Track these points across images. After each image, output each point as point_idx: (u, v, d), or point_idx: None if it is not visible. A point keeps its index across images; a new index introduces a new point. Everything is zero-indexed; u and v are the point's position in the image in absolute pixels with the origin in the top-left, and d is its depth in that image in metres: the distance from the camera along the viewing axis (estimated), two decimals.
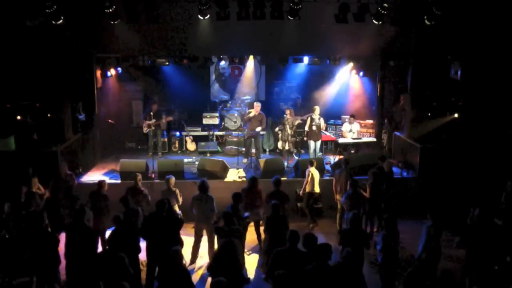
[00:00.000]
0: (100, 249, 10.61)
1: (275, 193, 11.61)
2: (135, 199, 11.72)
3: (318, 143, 16.63)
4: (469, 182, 13.90)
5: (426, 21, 14.28)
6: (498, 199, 11.85)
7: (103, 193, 11.70)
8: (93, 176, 14.75)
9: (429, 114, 15.72)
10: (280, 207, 10.62)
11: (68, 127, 15.16)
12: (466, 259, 10.08)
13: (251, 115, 16.67)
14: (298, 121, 17.18)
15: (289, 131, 16.59)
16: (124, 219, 9.93)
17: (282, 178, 14.44)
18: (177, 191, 12.09)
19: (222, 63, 18.81)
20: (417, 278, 8.14)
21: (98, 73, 16.62)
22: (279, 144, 17.29)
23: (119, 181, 14.21)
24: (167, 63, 16.68)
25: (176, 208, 11.94)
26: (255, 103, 17.00)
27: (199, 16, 13.93)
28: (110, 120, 17.72)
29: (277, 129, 17.03)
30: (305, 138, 16.95)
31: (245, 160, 16.63)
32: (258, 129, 16.63)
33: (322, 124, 16.49)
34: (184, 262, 9.15)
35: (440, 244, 10.06)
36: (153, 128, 16.75)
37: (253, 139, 16.83)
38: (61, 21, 13.57)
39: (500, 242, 9.65)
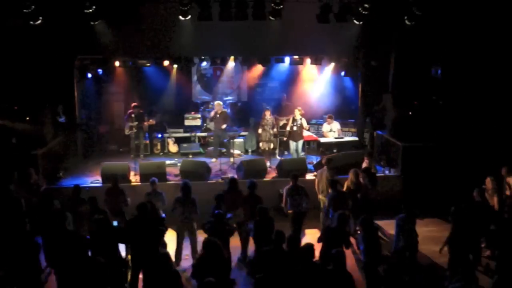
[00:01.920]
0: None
1: (250, 197, 11.45)
2: (114, 200, 11.64)
3: (300, 143, 16.59)
4: (451, 179, 13.97)
5: (406, 21, 14.34)
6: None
7: (81, 198, 11.49)
8: (74, 180, 14.52)
9: (410, 113, 15.78)
10: (268, 211, 10.56)
11: (48, 130, 14.97)
12: (449, 254, 10.21)
13: (212, 114, 16.67)
14: (283, 122, 17.14)
15: (270, 132, 16.57)
16: (101, 221, 9.78)
17: (265, 179, 14.57)
18: (162, 195, 11.95)
19: (204, 64, 18.74)
20: (396, 272, 8.16)
21: (79, 74, 16.42)
22: (261, 145, 17.25)
23: (101, 185, 14.03)
24: (149, 64, 16.55)
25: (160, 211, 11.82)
26: (215, 102, 16.96)
27: (181, 17, 13.83)
28: (91, 123, 17.56)
29: (260, 130, 16.98)
30: (284, 139, 16.93)
31: (214, 160, 16.61)
32: (223, 126, 16.56)
33: (305, 125, 16.47)
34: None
35: (417, 236, 10.20)
36: (135, 130, 16.59)
37: (220, 138, 16.81)
38: (39, 21, 13.37)
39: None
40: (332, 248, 8.86)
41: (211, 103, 19.72)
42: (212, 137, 17.96)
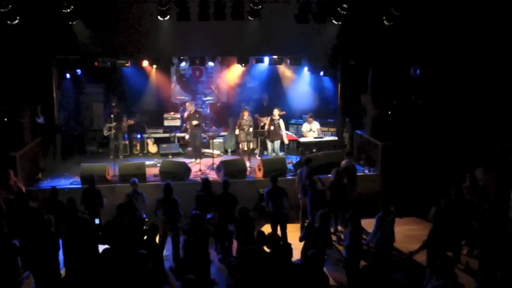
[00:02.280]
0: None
1: (223, 196, 11.49)
2: (91, 202, 11.62)
3: (277, 143, 16.62)
4: (429, 178, 14.11)
5: (385, 21, 14.45)
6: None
7: (57, 200, 11.39)
8: (53, 182, 14.40)
9: (390, 112, 15.91)
10: (249, 211, 10.58)
11: (26, 131, 14.83)
12: (428, 253, 10.30)
13: (185, 115, 16.68)
14: (264, 122, 17.18)
15: (249, 132, 16.62)
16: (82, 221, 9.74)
17: (246, 179, 14.59)
18: (143, 196, 11.95)
19: (183, 64, 18.66)
20: (377, 270, 8.26)
21: (57, 75, 16.27)
22: (240, 145, 17.27)
23: (80, 186, 13.92)
24: (127, 64, 16.45)
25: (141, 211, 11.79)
26: (187, 103, 16.93)
27: (159, 17, 13.78)
28: (70, 124, 17.45)
29: (236, 131, 16.99)
30: (264, 139, 16.98)
31: (194, 160, 16.63)
32: (195, 122, 16.54)
33: (282, 126, 16.50)
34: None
35: (393, 232, 10.36)
36: (114, 131, 16.51)
37: (195, 138, 16.76)
38: (17, 21, 13.22)
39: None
40: (314, 247, 8.97)
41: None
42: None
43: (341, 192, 12.50)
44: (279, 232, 11.62)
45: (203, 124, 17.93)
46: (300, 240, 9.97)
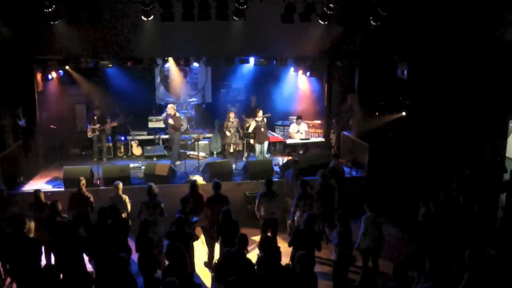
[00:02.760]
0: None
1: (215, 198, 11.42)
2: (79, 205, 11.47)
3: (264, 145, 16.64)
4: (417, 180, 14.12)
5: (371, 21, 14.45)
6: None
7: (43, 203, 11.25)
8: (35, 185, 14.23)
9: (377, 113, 15.92)
10: (230, 212, 10.51)
11: (8, 134, 14.64)
12: (416, 254, 10.32)
13: (163, 116, 16.63)
14: (249, 124, 17.14)
15: (235, 133, 16.55)
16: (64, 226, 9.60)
17: (230, 182, 14.53)
18: (127, 199, 11.86)
19: (167, 65, 18.58)
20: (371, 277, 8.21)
21: (39, 76, 16.09)
22: (226, 147, 17.20)
23: (62, 189, 13.80)
24: (111, 65, 16.30)
25: (124, 215, 11.66)
26: (168, 106, 16.75)
27: (143, 17, 13.68)
28: (51, 126, 17.25)
29: (227, 133, 16.89)
30: (251, 141, 16.92)
31: (178, 162, 16.56)
32: (170, 121, 16.41)
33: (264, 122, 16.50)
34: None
35: (382, 233, 10.39)
36: (97, 133, 16.40)
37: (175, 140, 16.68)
38: None
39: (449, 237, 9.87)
40: (302, 249, 8.92)
41: (175, 104, 19.61)
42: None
43: (328, 194, 12.46)
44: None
45: (188, 126, 17.87)
46: (289, 245, 9.93)
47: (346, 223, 9.78)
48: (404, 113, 15.71)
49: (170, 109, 16.51)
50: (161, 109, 19.48)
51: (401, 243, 12.31)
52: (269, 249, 8.34)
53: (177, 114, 16.67)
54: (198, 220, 11.06)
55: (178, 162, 16.53)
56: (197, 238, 10.73)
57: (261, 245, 8.54)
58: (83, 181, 11.99)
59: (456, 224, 10.61)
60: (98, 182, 14.37)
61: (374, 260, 10.42)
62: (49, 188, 14.10)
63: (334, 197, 12.62)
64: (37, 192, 11.43)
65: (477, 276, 7.46)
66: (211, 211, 11.22)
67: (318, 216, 11.56)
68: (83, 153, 17.90)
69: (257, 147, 16.57)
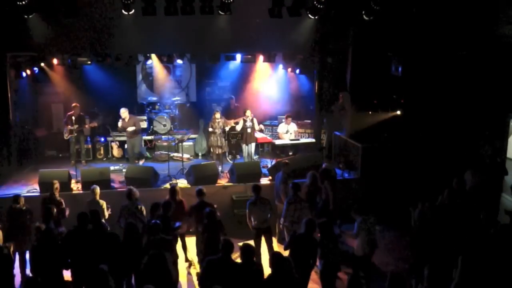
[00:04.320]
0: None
1: (200, 205, 11.18)
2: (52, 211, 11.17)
3: (252, 146, 16.59)
4: (413, 181, 14.07)
5: (364, 16, 14.41)
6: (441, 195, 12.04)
7: (22, 209, 11.10)
8: (8, 190, 14.07)
9: (370, 112, 15.87)
10: (216, 213, 10.38)
11: None
12: (412, 260, 10.31)
13: (120, 124, 16.40)
14: (231, 124, 17.06)
15: (221, 134, 16.45)
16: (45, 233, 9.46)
17: (217, 184, 14.42)
18: (104, 204, 11.70)
19: (149, 61, 18.43)
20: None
21: (12, 74, 15.88)
22: (212, 149, 17.09)
23: (38, 194, 13.64)
24: (89, 62, 16.17)
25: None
26: (122, 110, 16.48)
27: (124, 11, 13.55)
28: (26, 126, 17.07)
29: (212, 136, 16.75)
30: (242, 143, 16.79)
31: (112, 167, 16.17)
32: (130, 129, 16.32)
33: (256, 126, 16.40)
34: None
35: (376, 238, 10.35)
36: (75, 133, 16.23)
37: (133, 144, 16.60)
38: None
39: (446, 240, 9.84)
40: (299, 256, 8.87)
41: (158, 104, 19.52)
42: (159, 140, 17.82)
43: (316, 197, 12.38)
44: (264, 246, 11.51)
45: (172, 126, 17.75)
46: (285, 249, 9.82)
47: (328, 232, 9.70)
48: (398, 112, 15.67)
49: (124, 113, 16.28)
50: (143, 108, 19.36)
51: (397, 248, 12.26)
52: (281, 266, 8.18)
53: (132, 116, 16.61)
54: (181, 225, 10.95)
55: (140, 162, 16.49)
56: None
57: (273, 264, 8.35)
58: (57, 185, 11.90)
59: (455, 228, 10.55)
60: (76, 186, 14.18)
61: (366, 267, 10.35)
62: (23, 193, 13.88)
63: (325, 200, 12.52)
64: (16, 197, 11.28)
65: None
66: (196, 219, 11.04)
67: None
68: (60, 155, 17.73)
69: (244, 148, 16.48)
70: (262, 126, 16.76)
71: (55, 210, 10.81)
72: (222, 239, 8.87)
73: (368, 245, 10.20)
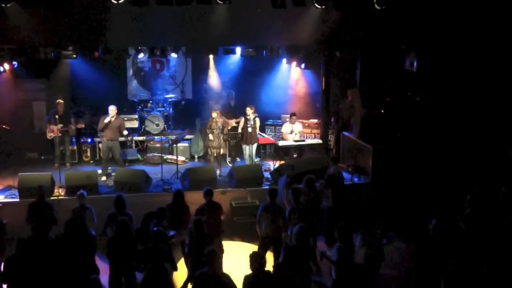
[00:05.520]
0: None
1: (208, 206, 11.35)
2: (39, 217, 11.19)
3: (254, 146, 16.59)
4: (429, 187, 14.07)
5: (376, 5, 14.41)
6: (463, 202, 12.02)
7: None
8: None
9: (382, 111, 15.89)
10: (203, 223, 10.36)
11: None
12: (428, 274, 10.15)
13: (106, 120, 15.97)
14: (232, 124, 17.06)
15: (220, 135, 16.46)
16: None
17: (215, 189, 14.41)
18: (92, 212, 11.72)
19: (141, 55, 18.43)
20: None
21: None
22: (209, 150, 17.11)
23: (17, 200, 13.69)
24: (75, 56, 16.13)
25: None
26: (110, 107, 16.19)
27: (113, 0, 13.56)
28: (4, 126, 17.08)
29: (210, 136, 16.73)
30: (243, 144, 16.79)
31: (99, 171, 16.12)
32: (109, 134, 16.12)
33: (258, 124, 16.41)
34: None
35: (382, 248, 10.32)
36: (59, 134, 16.20)
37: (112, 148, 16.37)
38: None
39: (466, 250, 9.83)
40: (292, 269, 8.87)
41: (150, 101, 19.52)
42: (152, 141, 17.84)
43: (314, 203, 12.33)
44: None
45: (165, 126, 17.76)
46: (279, 266, 9.80)
47: (347, 238, 9.70)
48: (413, 111, 15.67)
49: (113, 111, 16.06)
50: (134, 106, 19.35)
51: (410, 260, 12.25)
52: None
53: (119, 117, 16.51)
54: (176, 235, 10.96)
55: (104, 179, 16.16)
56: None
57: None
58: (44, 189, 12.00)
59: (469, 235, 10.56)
60: (61, 191, 14.21)
61: (372, 280, 10.34)
62: (1, 198, 13.95)
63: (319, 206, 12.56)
64: None
65: None
66: (206, 222, 10.85)
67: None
68: (42, 157, 17.72)
69: (246, 149, 16.47)
70: (258, 125, 16.67)
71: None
72: (208, 249, 8.86)
73: (371, 257, 10.18)
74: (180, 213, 11.45)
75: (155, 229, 9.82)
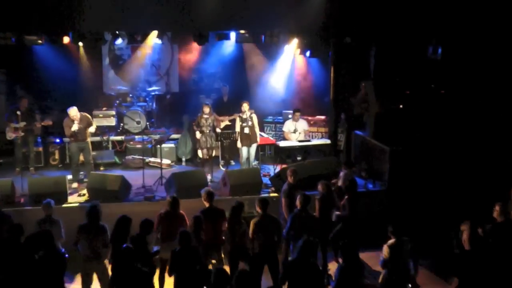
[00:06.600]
0: None
1: (209, 211, 11.38)
2: None
3: (253, 148, 16.56)
4: (453, 195, 14.05)
5: None
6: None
7: None
8: None
9: (400, 106, 15.86)
10: (190, 236, 10.28)
11: None
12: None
13: (74, 129, 15.53)
14: (225, 123, 17.02)
15: (211, 134, 16.42)
16: None
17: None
18: (60, 224, 11.65)
19: (119, 41, 18.41)
20: None
21: None
22: (199, 152, 17.06)
23: None
24: (40, 41, 16.09)
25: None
26: (70, 109, 15.67)
27: None
28: None
29: (197, 134, 16.68)
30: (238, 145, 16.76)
31: (69, 176, 15.96)
32: (92, 129, 16.03)
33: (255, 123, 16.35)
34: None
35: (409, 267, 10.32)
36: (22, 133, 16.12)
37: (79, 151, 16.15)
38: None
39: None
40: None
41: (130, 95, 19.46)
42: (132, 142, 17.79)
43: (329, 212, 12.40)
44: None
45: (148, 124, 17.74)
46: (280, 282, 9.76)
47: (352, 257, 9.64)
48: (437, 106, 15.65)
49: (73, 111, 15.63)
50: (111, 100, 19.32)
51: (431, 280, 12.20)
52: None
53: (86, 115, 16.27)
54: (162, 250, 10.93)
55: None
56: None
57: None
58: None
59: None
60: (22, 200, 14.18)
61: None
62: None
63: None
64: None
65: None
66: (206, 231, 11.09)
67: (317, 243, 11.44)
68: (1, 161, 17.66)
69: (244, 151, 16.39)
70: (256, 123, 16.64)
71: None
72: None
73: (398, 275, 10.16)
74: (174, 223, 11.32)
75: (123, 246, 9.69)
